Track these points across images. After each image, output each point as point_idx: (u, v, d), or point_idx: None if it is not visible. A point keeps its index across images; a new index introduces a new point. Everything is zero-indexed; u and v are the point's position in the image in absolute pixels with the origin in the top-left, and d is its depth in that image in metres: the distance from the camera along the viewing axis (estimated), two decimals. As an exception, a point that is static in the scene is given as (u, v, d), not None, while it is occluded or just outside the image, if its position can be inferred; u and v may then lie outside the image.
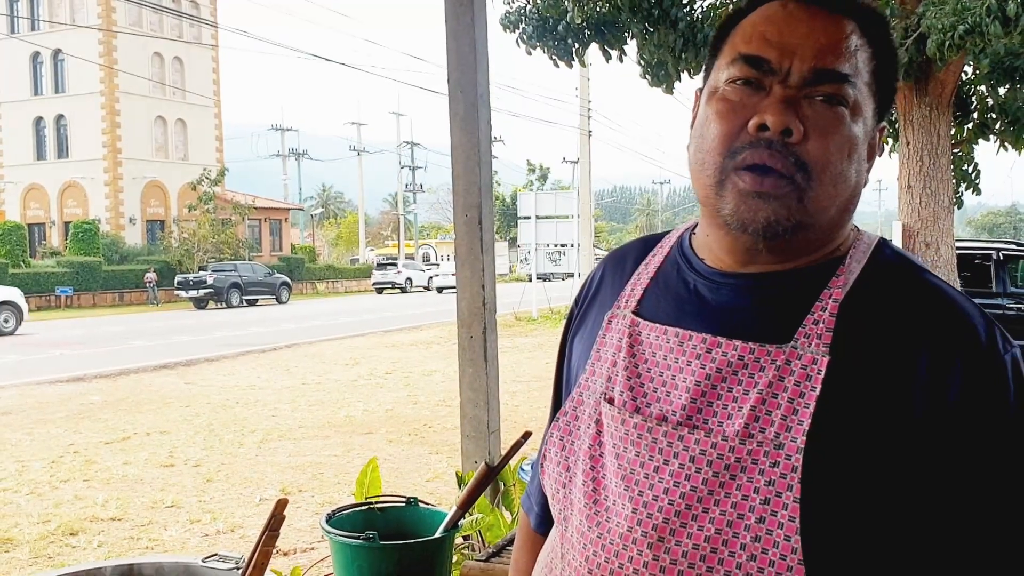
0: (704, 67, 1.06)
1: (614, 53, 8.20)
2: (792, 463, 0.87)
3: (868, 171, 1.01)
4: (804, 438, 0.88)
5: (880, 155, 1.04)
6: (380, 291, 44.36)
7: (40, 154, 49.08)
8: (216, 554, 1.95)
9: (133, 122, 47.37)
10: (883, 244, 1.01)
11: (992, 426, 0.88)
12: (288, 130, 68.63)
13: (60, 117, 48.22)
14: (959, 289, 0.97)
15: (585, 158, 25.37)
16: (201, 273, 35.20)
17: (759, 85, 0.96)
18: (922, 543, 0.88)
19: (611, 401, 1.02)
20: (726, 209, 0.96)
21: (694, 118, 1.04)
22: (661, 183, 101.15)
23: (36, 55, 48.09)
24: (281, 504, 1.82)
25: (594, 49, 8.40)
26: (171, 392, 11.58)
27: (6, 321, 21.74)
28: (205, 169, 43.66)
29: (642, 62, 8.19)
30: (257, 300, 35.79)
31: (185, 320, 26.75)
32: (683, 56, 7.78)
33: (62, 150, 48.55)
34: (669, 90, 8.29)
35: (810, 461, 0.87)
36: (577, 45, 8.07)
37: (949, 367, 0.88)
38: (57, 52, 47.14)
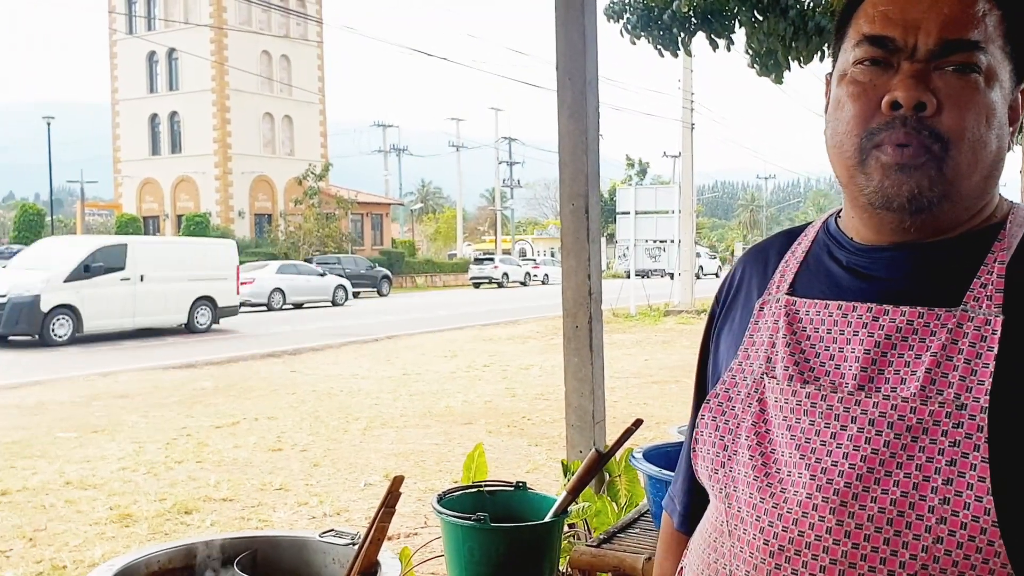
0: (832, 51, 1.06)
1: (721, 42, 8.03)
2: (977, 423, 0.87)
3: (1013, 135, 1.00)
4: (987, 397, 0.88)
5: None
6: (477, 285, 44.71)
7: (155, 149, 51.19)
8: (332, 530, 1.99)
9: (242, 118, 48.97)
10: None
11: None
12: (389, 126, 69.87)
13: (174, 114, 50.20)
14: None
15: (687, 152, 24.99)
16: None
17: (887, 63, 0.96)
18: None
19: (774, 378, 1.02)
20: (870, 187, 0.96)
21: (827, 103, 1.05)
22: (766, 178, 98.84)
23: (152, 54, 50.16)
24: (397, 481, 1.84)
25: (700, 39, 8.25)
26: (278, 379, 11.91)
27: None
28: (310, 164, 44.83)
29: (750, 51, 7.99)
30: (359, 292, 36.55)
31: (291, 310, 27.49)
32: (793, 45, 7.57)
33: (175, 146, 50.55)
34: (779, 80, 8.08)
35: (995, 420, 0.87)
36: (683, 35, 7.93)
37: None
38: (171, 51, 49.05)
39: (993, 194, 1.00)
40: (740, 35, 8.07)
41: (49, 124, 41.52)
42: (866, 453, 0.91)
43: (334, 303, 29.54)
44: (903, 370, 0.93)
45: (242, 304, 24.98)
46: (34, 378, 12.07)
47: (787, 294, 1.06)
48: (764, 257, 1.15)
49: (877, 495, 0.89)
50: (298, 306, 28.31)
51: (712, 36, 7.91)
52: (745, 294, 1.14)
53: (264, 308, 27.08)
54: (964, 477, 0.86)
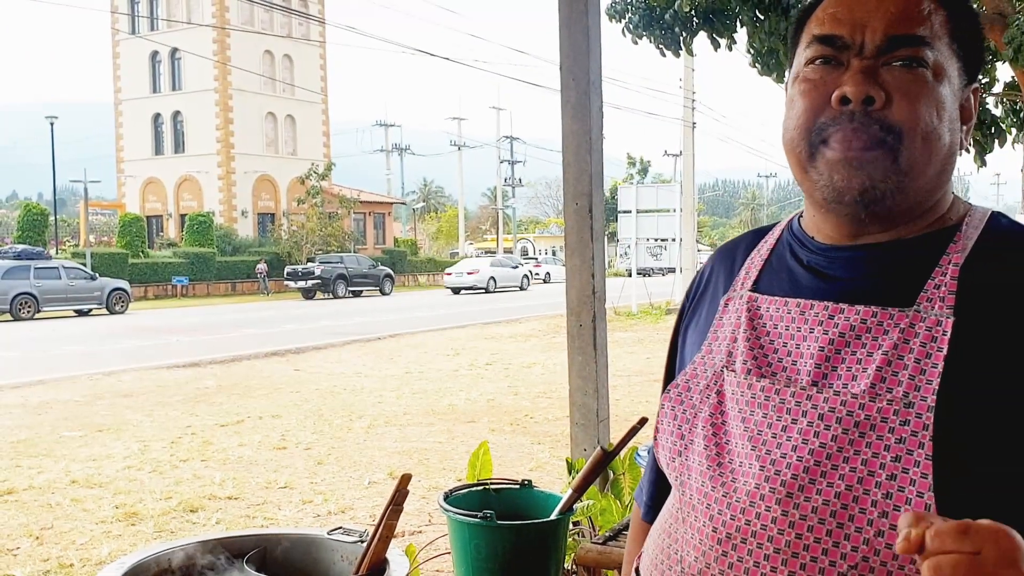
0: (787, 59, 1.09)
1: (723, 41, 8.03)
2: (923, 421, 0.89)
3: (966, 135, 1.03)
4: (934, 397, 0.90)
5: (970, 127, 1.03)
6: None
7: (158, 149, 51.18)
8: (340, 527, 2.01)
9: (245, 118, 48.95)
10: (997, 215, 1.03)
11: None
12: (392, 126, 69.82)
13: (177, 113, 50.18)
14: None
15: (688, 150, 24.99)
16: (309, 264, 36.21)
17: (838, 62, 0.98)
18: None
19: (733, 371, 1.04)
20: (821, 181, 0.98)
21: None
22: (767, 176, 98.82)
23: (155, 54, 50.15)
24: (405, 479, 1.86)
25: (701, 38, 8.26)
26: (282, 378, 11.93)
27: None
28: (313, 164, 44.80)
29: (751, 50, 7.99)
30: (361, 291, 36.60)
31: (294, 310, 27.55)
32: (795, 44, 7.59)
33: (179, 145, 50.54)
34: (780, 79, 8.07)
35: (940, 419, 0.89)
36: (684, 34, 7.93)
37: None
38: (174, 51, 49.04)
39: (947, 191, 1.03)
40: (742, 35, 8.08)
41: (52, 124, 41.50)
42: (814, 446, 0.93)
43: (521, 288, 39.53)
44: (855, 367, 0.95)
45: (470, 288, 36.92)
46: (37, 377, 12.10)
47: (750, 291, 1.09)
48: (732, 255, 1.18)
49: (822, 487, 0.91)
50: (486, 290, 37.13)
51: (714, 35, 7.91)
52: (712, 291, 1.17)
53: (483, 291, 36.73)
54: (908, 473, 0.88)
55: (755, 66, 8.25)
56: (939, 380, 0.90)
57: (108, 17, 51.65)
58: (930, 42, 0.96)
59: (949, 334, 0.92)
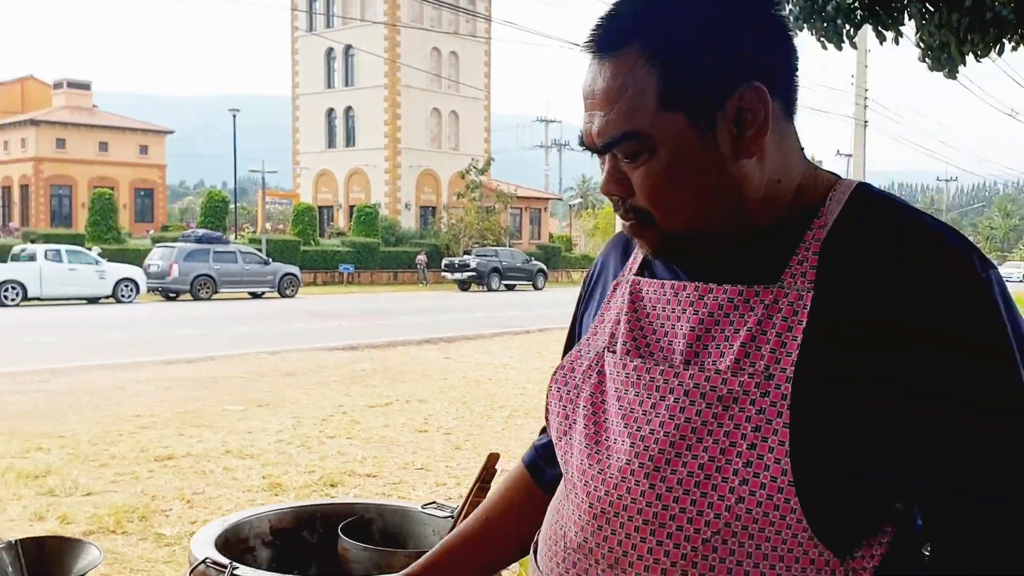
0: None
1: (888, 35, 7.66)
2: (781, 392, 0.91)
3: (754, 136, 0.95)
4: (792, 368, 0.92)
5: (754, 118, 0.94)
6: (636, 282, 44.58)
7: (331, 142, 53.56)
8: (434, 502, 2.06)
9: (411, 113, 50.52)
10: (863, 186, 1.02)
11: (980, 343, 0.89)
12: (552, 121, 70.34)
13: (349, 109, 52.34)
14: (939, 220, 0.98)
15: (859, 151, 23.98)
16: (466, 257, 37.04)
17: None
18: (913, 460, 0.91)
19: (613, 352, 1.08)
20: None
21: None
22: (947, 180, 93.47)
23: (330, 51, 52.47)
24: (493, 458, 1.90)
25: (867, 30, 7.90)
26: (432, 365, 12.26)
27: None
28: (473, 159, 45.74)
29: (921, 44, 7.58)
30: (515, 285, 37.10)
31: (449, 300, 28.26)
32: (969, 38, 7.12)
33: (349, 139, 52.71)
34: (952, 75, 7.62)
35: (799, 390, 0.91)
36: (848, 26, 7.61)
37: (934, 291, 0.90)
38: (348, 48, 51.13)
39: (789, 179, 1.00)
40: (911, 27, 7.68)
41: (235, 116, 44.12)
42: (679, 422, 0.96)
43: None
44: (722, 344, 0.97)
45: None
46: (209, 354, 12.93)
47: (636, 274, 1.12)
48: (626, 241, 1.19)
49: (687, 460, 0.94)
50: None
51: (879, 28, 7.56)
52: (604, 277, 1.20)
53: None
54: (767, 442, 0.91)
55: (925, 61, 7.83)
56: (798, 352, 0.92)
57: (288, 14, 54.43)
58: (639, 130, 0.95)
59: (809, 307, 0.93)
